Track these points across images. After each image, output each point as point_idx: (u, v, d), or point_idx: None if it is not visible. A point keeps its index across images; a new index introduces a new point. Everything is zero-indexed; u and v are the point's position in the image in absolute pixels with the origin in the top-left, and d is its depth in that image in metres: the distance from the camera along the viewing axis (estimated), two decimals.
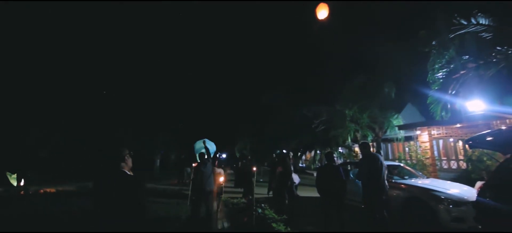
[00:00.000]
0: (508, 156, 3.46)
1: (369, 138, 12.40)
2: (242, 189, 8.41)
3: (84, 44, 19.59)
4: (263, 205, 5.66)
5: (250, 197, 6.13)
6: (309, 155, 24.37)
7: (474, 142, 3.99)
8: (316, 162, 19.69)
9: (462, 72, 6.51)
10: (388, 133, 12.95)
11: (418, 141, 10.78)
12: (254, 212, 4.99)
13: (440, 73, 7.01)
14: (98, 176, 1.89)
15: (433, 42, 6.97)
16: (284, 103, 19.42)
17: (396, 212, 5.26)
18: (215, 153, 6.84)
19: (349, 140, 13.14)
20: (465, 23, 6.23)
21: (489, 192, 3.37)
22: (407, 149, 12.51)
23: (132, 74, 20.14)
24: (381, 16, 13.90)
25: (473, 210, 3.73)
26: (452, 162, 10.95)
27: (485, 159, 7.64)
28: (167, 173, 17.21)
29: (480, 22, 6.08)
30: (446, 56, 6.80)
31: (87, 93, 17.39)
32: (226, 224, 5.36)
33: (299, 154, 22.74)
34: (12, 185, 9.24)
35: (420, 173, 6.81)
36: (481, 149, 5.73)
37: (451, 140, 10.97)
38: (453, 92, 6.76)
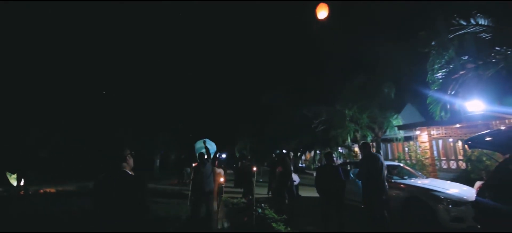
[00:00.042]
0: (507, 156, 3.48)
1: (369, 138, 12.41)
2: (242, 189, 8.41)
3: (84, 44, 19.59)
4: (263, 205, 5.67)
5: (250, 197, 6.14)
6: (309, 155, 24.38)
7: (474, 142, 4.01)
8: (316, 162, 19.71)
9: (461, 72, 6.51)
10: (387, 133, 12.98)
11: (417, 141, 10.80)
12: (254, 212, 5.00)
13: (440, 74, 7.01)
14: (100, 176, 1.89)
15: (433, 43, 6.98)
16: (284, 103, 19.38)
17: (396, 212, 5.27)
18: (215, 153, 6.84)
19: (349, 140, 13.17)
20: (465, 23, 6.25)
21: (488, 192, 3.39)
22: (406, 149, 12.54)
23: (132, 74, 20.16)
24: (381, 16, 13.94)
25: (472, 210, 3.76)
26: (452, 162, 10.96)
27: (484, 159, 7.66)
28: (167, 173, 17.24)
29: (479, 22, 6.10)
30: (446, 57, 6.81)
31: (87, 93, 17.40)
32: (226, 224, 5.37)
33: (299, 154, 22.72)
34: (12, 185, 9.22)
35: (420, 173, 6.83)
36: (480, 149, 5.75)
37: (451, 140, 10.99)
38: (453, 92, 6.76)
